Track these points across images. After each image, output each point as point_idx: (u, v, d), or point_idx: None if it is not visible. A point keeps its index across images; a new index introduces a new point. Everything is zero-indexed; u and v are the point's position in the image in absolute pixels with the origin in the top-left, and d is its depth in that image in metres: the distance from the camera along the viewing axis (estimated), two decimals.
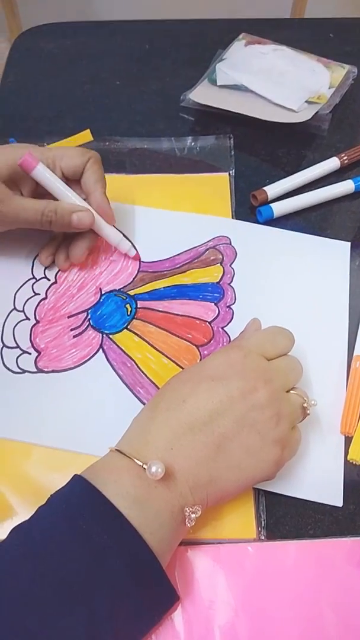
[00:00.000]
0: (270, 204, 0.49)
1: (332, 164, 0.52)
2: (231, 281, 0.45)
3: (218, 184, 0.51)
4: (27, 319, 0.43)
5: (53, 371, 0.40)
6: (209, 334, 0.42)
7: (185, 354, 0.41)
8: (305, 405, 0.35)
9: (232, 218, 0.49)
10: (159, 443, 0.31)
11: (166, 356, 0.41)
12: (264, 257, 0.47)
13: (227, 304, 0.44)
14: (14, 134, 0.53)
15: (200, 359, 0.41)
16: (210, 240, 0.47)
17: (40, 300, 0.44)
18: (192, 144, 0.54)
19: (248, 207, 0.50)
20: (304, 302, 0.44)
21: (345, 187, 0.51)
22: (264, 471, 0.33)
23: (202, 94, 0.57)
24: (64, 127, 0.56)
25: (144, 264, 0.46)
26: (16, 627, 0.26)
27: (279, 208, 0.49)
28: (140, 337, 0.42)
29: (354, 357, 0.41)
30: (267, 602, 0.32)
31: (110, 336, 0.42)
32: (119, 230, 0.45)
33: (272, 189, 0.50)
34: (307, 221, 0.50)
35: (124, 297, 0.44)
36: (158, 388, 0.40)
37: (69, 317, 0.43)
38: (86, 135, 0.55)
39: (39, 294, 0.44)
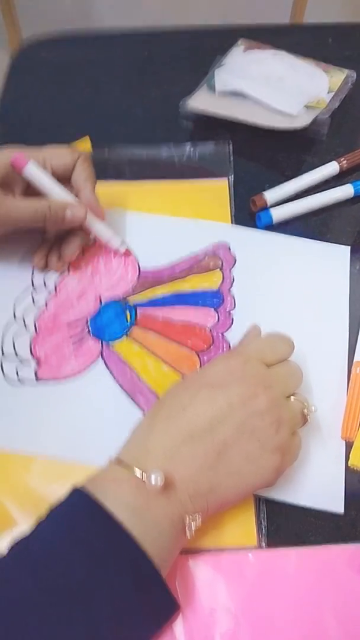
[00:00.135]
0: (269, 209, 0.49)
1: (332, 168, 0.52)
2: (231, 287, 0.45)
3: (217, 190, 0.51)
4: (27, 328, 0.43)
5: (53, 380, 0.40)
6: (208, 340, 0.42)
7: (185, 361, 0.41)
8: (305, 411, 0.35)
9: (232, 224, 0.49)
10: (159, 452, 0.31)
11: (166, 363, 0.41)
12: (263, 262, 0.47)
13: (227, 310, 0.44)
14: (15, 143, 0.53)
15: (200, 366, 0.41)
16: (209, 246, 0.47)
17: (40, 309, 0.44)
18: (191, 150, 0.55)
19: (247, 212, 0.50)
20: (303, 308, 0.44)
21: (345, 191, 0.51)
22: (264, 478, 0.33)
23: (200, 101, 0.57)
24: (65, 135, 0.56)
25: (143, 271, 0.46)
26: (16, 638, 0.26)
27: (278, 213, 0.49)
28: (140, 344, 0.42)
29: (355, 363, 0.41)
30: (269, 610, 0.32)
31: (110, 344, 0.42)
32: (109, 227, 0.45)
33: (271, 194, 0.50)
34: (306, 226, 0.49)
35: (124, 305, 0.44)
36: (158, 396, 0.40)
37: (68, 326, 0.43)
38: (85, 143, 0.55)
39: (38, 303, 0.44)
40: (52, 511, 0.31)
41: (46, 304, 0.44)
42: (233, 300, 0.44)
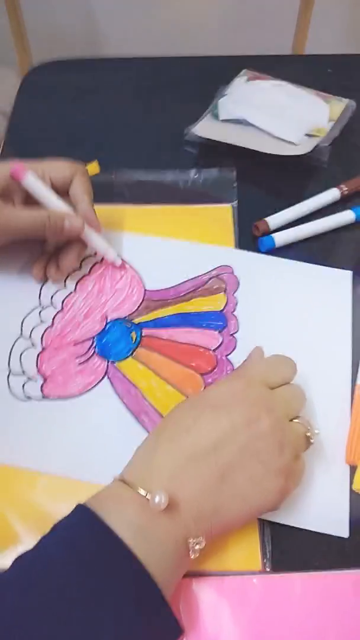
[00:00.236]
0: (272, 234, 0.50)
1: (333, 194, 0.53)
2: (234, 310, 0.46)
3: (221, 215, 0.52)
4: (34, 345, 0.43)
5: (58, 398, 0.41)
6: (212, 362, 0.43)
7: (189, 382, 0.42)
8: (308, 434, 0.35)
9: (235, 248, 0.50)
10: (163, 473, 0.32)
11: (170, 384, 0.42)
12: (266, 286, 0.47)
13: (231, 333, 0.44)
14: None
15: (204, 387, 0.41)
16: (213, 270, 0.48)
17: (47, 328, 0.44)
18: (196, 176, 0.56)
19: (250, 237, 0.51)
20: (306, 331, 0.45)
21: (346, 217, 0.52)
22: (268, 501, 0.33)
23: (205, 128, 0.59)
24: (72, 160, 0.57)
25: (149, 292, 0.47)
26: None
27: (280, 238, 0.50)
28: (145, 364, 0.43)
29: (357, 386, 0.41)
30: (272, 635, 0.32)
31: (116, 364, 0.43)
32: (105, 240, 0.46)
33: (274, 220, 0.51)
34: (308, 250, 0.50)
35: (129, 325, 0.45)
36: (162, 416, 0.40)
37: (75, 344, 0.44)
38: (94, 167, 0.56)
39: (45, 321, 0.45)
40: (55, 528, 0.31)
41: (53, 322, 0.45)
42: (236, 323, 0.45)
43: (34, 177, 0.43)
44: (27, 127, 0.62)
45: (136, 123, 0.62)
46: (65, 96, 0.66)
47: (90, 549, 0.29)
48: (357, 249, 0.51)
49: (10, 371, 0.42)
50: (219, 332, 0.44)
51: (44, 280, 0.47)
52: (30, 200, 0.44)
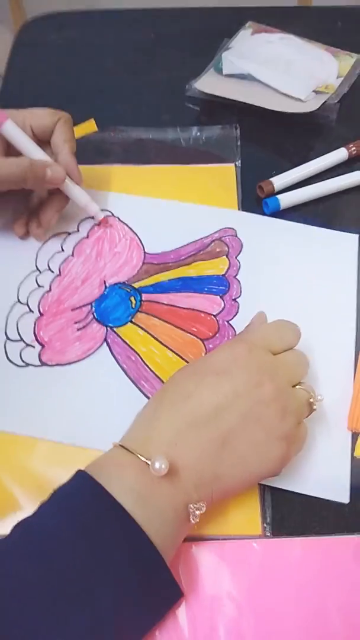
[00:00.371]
0: (277, 196, 0.48)
1: (340, 154, 0.51)
2: (237, 274, 0.45)
3: (224, 175, 0.50)
4: (31, 311, 0.42)
5: (57, 365, 0.40)
6: (214, 328, 0.42)
7: (190, 348, 0.41)
8: (311, 400, 0.35)
9: (238, 209, 0.48)
10: (163, 439, 0.31)
11: (171, 350, 0.41)
12: (270, 249, 0.46)
13: (233, 297, 0.43)
14: None
15: (205, 353, 0.41)
16: (215, 232, 0.47)
17: (44, 293, 0.43)
18: (198, 134, 0.54)
19: (254, 198, 0.49)
20: (310, 295, 0.43)
21: (354, 178, 0.50)
22: (269, 467, 0.32)
23: (208, 83, 0.56)
24: None
25: (149, 256, 0.45)
26: (18, 625, 0.26)
27: (286, 199, 0.48)
28: (145, 330, 0.42)
29: None
30: (272, 599, 0.32)
31: (115, 329, 0.42)
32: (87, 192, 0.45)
33: (279, 180, 0.49)
34: (314, 213, 0.49)
35: (129, 290, 0.44)
36: (162, 382, 0.39)
37: (72, 310, 0.43)
38: (90, 125, 0.54)
39: (42, 287, 0.44)
40: (55, 494, 0.30)
41: (50, 287, 0.44)
42: (239, 287, 0.44)
43: (13, 125, 0.41)
44: (21, 85, 0.60)
45: (135, 78, 0.60)
46: (61, 52, 0.63)
47: (90, 514, 0.29)
48: None
49: (7, 337, 0.41)
50: (221, 296, 0.43)
51: (26, 236, 0.46)
52: (12, 152, 0.42)
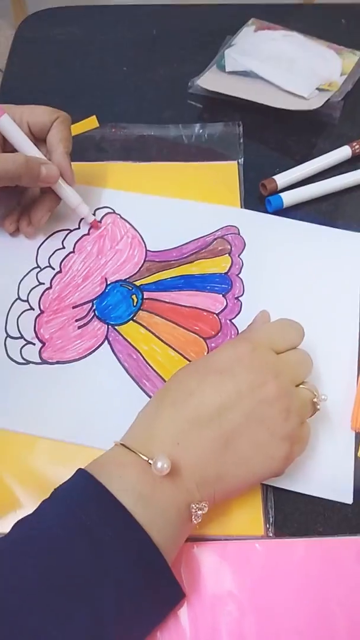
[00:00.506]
0: (280, 194, 0.48)
1: (344, 152, 0.51)
2: (239, 272, 0.44)
3: (226, 173, 0.50)
4: (32, 308, 0.42)
5: (57, 362, 0.40)
6: (216, 326, 0.41)
7: (192, 346, 0.40)
8: (315, 400, 0.34)
9: (241, 207, 0.48)
10: (165, 438, 0.31)
11: (173, 348, 0.40)
12: (273, 247, 0.46)
13: (235, 296, 0.43)
14: None
15: (208, 352, 0.40)
16: (218, 230, 0.46)
17: (45, 290, 0.43)
18: (200, 131, 0.53)
19: (257, 196, 0.49)
20: (314, 294, 0.43)
21: (357, 176, 0.50)
22: (272, 467, 0.32)
23: (210, 81, 0.56)
24: (70, 114, 0.54)
25: (151, 254, 0.45)
26: (18, 625, 0.26)
27: (289, 198, 0.48)
28: (147, 328, 0.41)
29: None
30: (274, 600, 0.32)
31: (116, 327, 0.41)
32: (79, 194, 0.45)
33: (282, 178, 0.49)
34: (317, 211, 0.48)
35: (130, 288, 0.43)
36: (164, 381, 0.39)
37: (73, 307, 0.42)
38: (92, 122, 0.54)
39: (43, 284, 0.43)
40: (55, 492, 0.30)
41: (51, 284, 0.43)
42: (242, 286, 0.43)
43: (9, 120, 0.41)
44: (21, 80, 0.59)
45: (137, 75, 0.59)
46: (62, 47, 0.62)
47: (91, 514, 0.28)
48: None
49: (7, 334, 0.41)
50: (224, 295, 0.43)
51: (16, 233, 0.45)
52: (8, 149, 0.42)
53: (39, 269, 0.44)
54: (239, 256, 0.45)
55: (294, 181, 0.49)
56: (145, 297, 0.43)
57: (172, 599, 0.30)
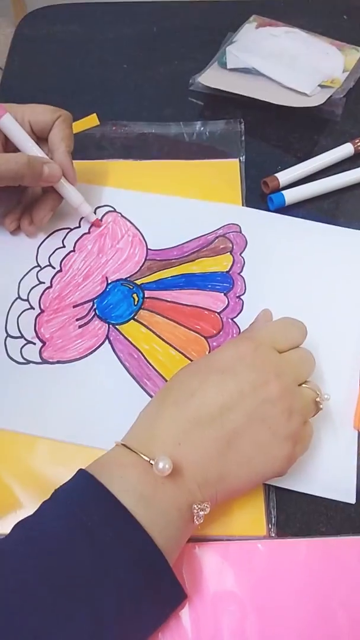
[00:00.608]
0: (282, 191, 0.47)
1: (346, 150, 0.51)
2: (241, 271, 0.44)
3: (228, 170, 0.50)
4: (32, 308, 0.42)
5: (58, 362, 0.39)
6: (218, 325, 0.41)
7: (194, 346, 0.40)
8: (318, 399, 0.34)
9: (243, 205, 0.48)
10: (167, 438, 0.30)
11: (174, 347, 0.40)
12: (275, 246, 0.45)
13: (237, 295, 0.43)
14: None
15: (209, 351, 0.40)
16: (219, 228, 0.46)
17: (45, 289, 0.43)
18: (202, 129, 0.53)
19: (259, 194, 0.49)
20: (316, 293, 0.43)
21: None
22: (275, 467, 0.32)
23: (211, 78, 0.56)
24: (70, 112, 0.54)
25: (152, 252, 0.45)
26: (19, 625, 0.26)
27: (291, 195, 0.47)
28: (148, 327, 0.41)
29: None
30: (277, 600, 0.32)
31: (117, 326, 0.41)
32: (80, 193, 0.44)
33: (284, 176, 0.49)
34: (319, 209, 0.48)
35: (131, 287, 0.43)
36: (165, 380, 0.39)
37: (74, 306, 0.42)
38: (92, 120, 0.54)
39: (43, 283, 0.43)
40: (56, 493, 0.30)
41: (51, 283, 0.43)
42: (243, 285, 0.43)
43: (11, 119, 0.41)
44: (21, 78, 0.59)
45: (138, 73, 0.59)
46: (62, 45, 0.62)
47: (92, 515, 0.28)
48: None
49: (7, 334, 0.41)
50: (225, 293, 0.43)
51: (17, 231, 0.45)
52: (10, 148, 0.42)
53: (39, 268, 0.44)
54: (240, 254, 0.45)
55: (295, 179, 0.49)
56: (146, 296, 0.43)
57: (173, 599, 0.30)
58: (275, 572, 0.32)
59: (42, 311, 0.42)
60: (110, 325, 0.41)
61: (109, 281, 0.43)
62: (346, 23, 0.64)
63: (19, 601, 0.26)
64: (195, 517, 0.30)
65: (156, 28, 0.63)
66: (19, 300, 0.42)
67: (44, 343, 0.40)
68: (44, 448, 0.36)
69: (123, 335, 0.41)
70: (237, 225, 0.46)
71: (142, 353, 0.40)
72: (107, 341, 0.40)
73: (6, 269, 0.44)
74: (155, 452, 0.30)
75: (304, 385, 0.34)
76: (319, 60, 0.58)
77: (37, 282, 0.43)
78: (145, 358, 0.40)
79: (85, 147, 0.51)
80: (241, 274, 0.44)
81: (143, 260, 0.44)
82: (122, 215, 0.47)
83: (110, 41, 0.62)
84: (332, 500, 0.35)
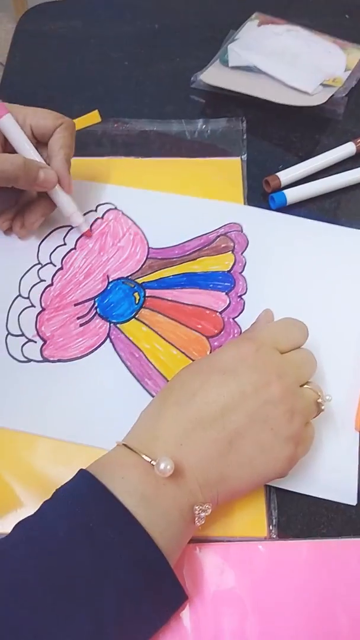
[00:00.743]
0: (284, 191, 0.47)
1: (348, 149, 0.51)
2: (242, 270, 0.44)
3: (229, 169, 0.49)
4: (33, 306, 0.42)
5: (59, 360, 0.39)
6: (219, 325, 0.41)
7: (195, 345, 0.40)
8: (319, 400, 0.34)
9: (244, 204, 0.48)
10: (168, 439, 0.30)
11: (175, 347, 0.40)
12: (276, 245, 0.45)
13: (238, 294, 0.42)
14: None
15: (210, 351, 0.40)
16: (221, 227, 0.46)
17: (46, 287, 0.43)
18: (203, 127, 0.53)
19: (260, 193, 0.49)
20: (317, 293, 0.43)
21: None
22: (276, 469, 0.31)
23: (213, 75, 0.55)
24: (71, 109, 0.53)
25: (153, 251, 0.45)
26: (19, 626, 0.26)
27: (293, 195, 0.47)
28: (149, 326, 0.41)
29: None
30: (278, 602, 0.31)
31: (118, 325, 0.41)
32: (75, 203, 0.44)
33: (286, 175, 0.48)
34: (321, 208, 0.48)
35: (132, 285, 0.43)
36: (166, 379, 0.38)
37: (75, 304, 0.42)
38: (94, 117, 0.53)
39: (44, 280, 0.43)
40: (57, 493, 0.30)
41: (52, 281, 0.43)
42: (245, 284, 0.43)
43: (11, 120, 0.40)
44: (22, 74, 0.59)
45: (139, 69, 0.59)
46: (63, 41, 0.62)
47: (93, 515, 0.28)
48: None
49: (8, 332, 0.40)
50: (226, 293, 0.42)
51: (9, 232, 0.45)
52: (8, 150, 0.42)
53: (40, 266, 0.44)
54: (242, 254, 0.44)
55: (297, 178, 0.49)
56: (147, 294, 0.42)
57: (174, 601, 0.30)
58: (276, 574, 0.32)
59: (43, 309, 0.41)
60: (112, 324, 0.41)
61: (110, 279, 0.43)
62: (348, 22, 0.64)
63: (19, 601, 0.26)
64: (196, 518, 0.30)
65: (158, 25, 0.63)
66: (19, 298, 0.42)
67: (45, 341, 0.40)
68: (44, 447, 0.36)
69: (124, 334, 0.40)
70: (239, 224, 0.46)
71: (143, 352, 0.40)
72: (108, 340, 0.40)
73: (7, 266, 0.43)
74: (157, 452, 0.30)
75: (305, 386, 0.34)
76: (321, 59, 0.57)
77: (38, 280, 0.43)
78: (146, 357, 0.39)
79: (86, 144, 0.51)
80: (242, 273, 0.44)
81: (144, 258, 0.44)
82: (123, 213, 0.46)
83: (112, 38, 0.62)
84: (333, 501, 0.35)
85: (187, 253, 0.44)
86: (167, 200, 0.47)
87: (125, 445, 0.31)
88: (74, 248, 0.45)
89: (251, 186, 0.49)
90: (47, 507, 0.29)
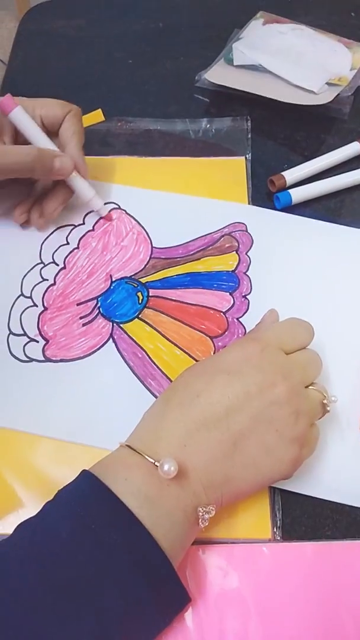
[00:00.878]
0: (289, 190, 0.47)
1: (354, 148, 0.50)
2: (247, 270, 0.43)
3: (234, 168, 0.49)
4: (35, 305, 0.41)
5: (61, 360, 0.39)
6: (223, 325, 0.41)
7: (199, 345, 0.40)
8: (325, 401, 0.34)
9: (249, 204, 0.47)
10: (172, 440, 0.30)
11: (179, 347, 0.40)
12: (281, 245, 0.45)
13: (243, 294, 0.42)
14: None
15: (214, 351, 0.40)
16: (225, 227, 0.45)
17: (49, 286, 0.42)
18: (208, 126, 0.52)
19: (265, 192, 0.48)
20: (323, 293, 0.42)
21: None
22: (281, 470, 0.31)
23: (218, 74, 0.55)
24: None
25: (156, 250, 0.44)
26: (22, 628, 0.25)
27: (298, 194, 0.47)
28: (152, 326, 0.41)
29: None
30: (282, 604, 0.31)
31: (121, 325, 0.41)
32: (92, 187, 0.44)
33: (291, 175, 0.48)
34: (326, 208, 0.48)
35: (135, 285, 0.43)
36: (170, 380, 0.38)
37: (78, 304, 0.41)
38: (97, 115, 0.53)
39: (47, 280, 0.43)
40: (60, 494, 0.29)
41: (55, 280, 0.42)
42: (249, 284, 0.43)
43: (22, 112, 0.40)
44: (25, 73, 0.59)
45: (143, 68, 0.58)
46: (66, 40, 0.62)
47: (95, 516, 0.28)
48: None
49: (10, 331, 0.40)
50: (231, 293, 0.42)
51: (27, 224, 0.45)
52: (20, 137, 0.42)
53: (42, 265, 0.43)
54: (246, 253, 0.44)
55: (302, 177, 0.48)
56: (150, 294, 0.42)
57: (177, 603, 0.29)
58: (280, 576, 0.32)
59: (46, 309, 0.41)
60: (115, 324, 0.41)
61: (113, 279, 0.43)
62: (354, 20, 0.64)
63: (21, 603, 0.26)
64: (200, 520, 0.30)
65: (162, 24, 0.63)
66: (22, 297, 0.42)
67: (47, 341, 0.40)
68: (46, 448, 0.36)
69: (127, 334, 0.40)
70: (243, 223, 0.46)
71: (146, 352, 0.39)
72: (111, 340, 0.40)
73: (9, 265, 0.43)
74: (160, 453, 0.29)
75: (310, 387, 0.34)
76: (327, 57, 0.57)
77: (41, 279, 0.43)
78: (149, 357, 0.39)
79: (90, 143, 0.50)
80: (247, 273, 0.43)
81: (148, 258, 0.44)
82: (126, 213, 0.46)
83: (116, 36, 0.62)
84: (338, 503, 0.34)
85: (191, 253, 0.44)
86: (170, 200, 0.47)
87: (128, 446, 0.30)
88: (77, 247, 0.44)
89: (256, 186, 0.48)
90: (50, 508, 0.29)
